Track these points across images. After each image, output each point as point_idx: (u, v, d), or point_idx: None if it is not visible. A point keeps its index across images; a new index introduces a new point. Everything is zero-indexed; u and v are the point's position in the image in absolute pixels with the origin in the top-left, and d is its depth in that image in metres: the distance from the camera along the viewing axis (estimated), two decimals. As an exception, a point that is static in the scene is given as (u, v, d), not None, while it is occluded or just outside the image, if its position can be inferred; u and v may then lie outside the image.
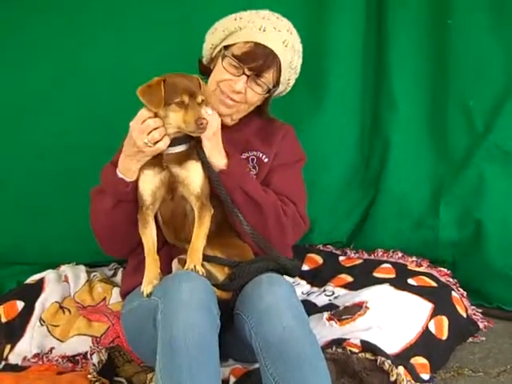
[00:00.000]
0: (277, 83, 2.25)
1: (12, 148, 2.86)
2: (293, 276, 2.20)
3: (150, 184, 2.02)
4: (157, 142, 1.95)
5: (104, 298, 2.65)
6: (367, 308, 2.35)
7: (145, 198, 2.03)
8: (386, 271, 2.68)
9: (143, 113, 1.96)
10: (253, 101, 2.25)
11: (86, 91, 2.82)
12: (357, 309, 2.36)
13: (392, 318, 2.31)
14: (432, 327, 2.34)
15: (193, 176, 2.01)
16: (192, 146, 2.03)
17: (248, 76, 2.18)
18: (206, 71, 2.32)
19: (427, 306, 2.40)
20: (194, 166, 2.02)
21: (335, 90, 2.94)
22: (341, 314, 2.35)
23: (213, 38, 2.27)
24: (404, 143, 2.92)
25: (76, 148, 2.84)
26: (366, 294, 2.44)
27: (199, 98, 1.94)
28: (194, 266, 1.90)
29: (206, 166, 2.02)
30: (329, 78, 2.91)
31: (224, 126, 2.13)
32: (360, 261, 2.85)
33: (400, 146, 2.92)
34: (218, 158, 2.07)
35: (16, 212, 2.92)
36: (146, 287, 1.94)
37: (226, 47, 2.21)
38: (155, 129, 1.94)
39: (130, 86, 1.96)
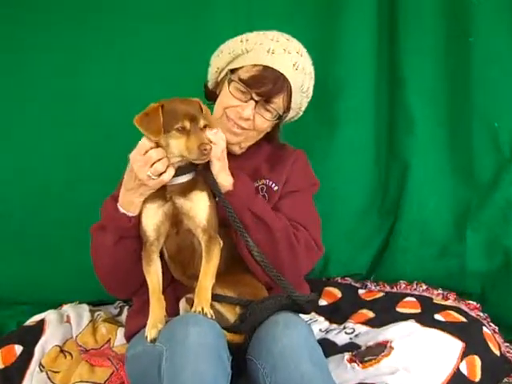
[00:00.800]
0: (287, 108, 2.16)
1: (12, 183, 2.84)
2: (307, 312, 2.08)
3: (153, 218, 1.93)
4: (161, 173, 1.85)
5: (108, 340, 2.54)
6: (392, 348, 2.20)
7: (148, 233, 1.94)
8: (410, 305, 2.54)
9: (144, 143, 1.86)
10: (262, 128, 2.16)
11: (88, 123, 2.79)
12: (381, 349, 2.21)
13: (420, 358, 2.16)
14: (464, 368, 2.19)
15: (198, 207, 1.91)
16: (197, 174, 1.94)
17: (256, 101, 2.09)
18: (212, 96, 2.22)
19: (458, 345, 2.24)
20: (199, 197, 1.92)
21: (348, 112, 2.86)
22: (363, 354, 2.21)
23: (218, 61, 2.18)
24: (423, 166, 2.83)
25: (78, 183, 2.80)
26: (390, 332, 2.29)
27: (201, 123, 1.86)
28: (202, 309, 1.79)
29: (214, 187, 1.92)
30: (341, 101, 2.85)
31: (231, 154, 2.06)
32: (381, 294, 2.72)
33: (419, 169, 2.83)
34: (226, 179, 1.97)
35: (16, 249, 2.87)
36: (149, 331, 1.82)
37: (233, 71, 2.12)
38: (158, 160, 1.84)
39: (132, 115, 1.87)
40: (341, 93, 2.83)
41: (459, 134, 2.80)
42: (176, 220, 1.92)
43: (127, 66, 2.77)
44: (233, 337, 1.86)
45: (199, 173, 1.95)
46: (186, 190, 1.91)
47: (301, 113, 2.29)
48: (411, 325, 2.32)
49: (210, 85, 2.25)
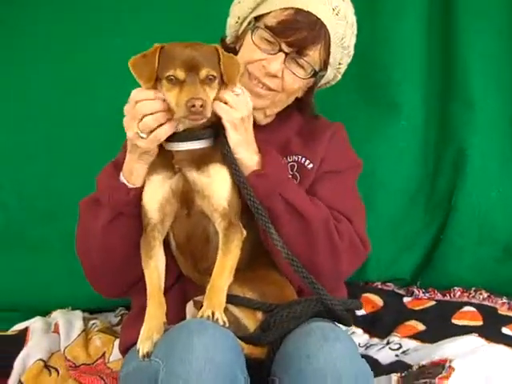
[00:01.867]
0: (324, 65, 1.93)
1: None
2: (347, 324, 1.84)
3: (156, 194, 1.68)
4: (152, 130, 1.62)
5: (103, 355, 2.34)
6: (452, 368, 1.95)
7: (150, 213, 1.70)
8: (469, 316, 2.35)
9: (137, 92, 1.63)
10: (292, 88, 1.91)
11: (90, 118, 2.66)
12: (437, 369, 1.98)
13: (487, 381, 1.94)
14: (540, 393, 1.99)
15: (215, 184, 1.67)
16: (217, 143, 1.70)
17: (286, 54, 1.85)
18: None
19: None
20: (217, 171, 1.67)
21: (392, 87, 2.65)
22: (416, 376, 1.99)
23: (239, 9, 1.96)
24: (483, 150, 2.64)
25: (69, 177, 2.65)
26: (448, 349, 2.07)
27: (203, 73, 1.58)
28: (212, 313, 1.53)
29: (231, 164, 1.68)
30: (384, 75, 2.64)
31: (255, 125, 1.81)
32: (432, 303, 2.51)
33: (478, 153, 2.63)
34: (247, 154, 1.72)
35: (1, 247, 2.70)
36: (141, 344, 1.57)
37: (258, 18, 1.90)
38: (150, 114, 1.61)
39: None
40: (385, 66, 2.64)
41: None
42: (186, 198, 1.68)
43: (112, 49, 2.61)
44: (252, 350, 1.63)
45: (219, 141, 1.71)
46: (200, 161, 1.66)
47: (339, 76, 2.05)
48: (474, 340, 2.13)
49: (229, 39, 2.02)
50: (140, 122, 1.60)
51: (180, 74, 1.56)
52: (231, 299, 1.65)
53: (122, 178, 1.73)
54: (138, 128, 1.60)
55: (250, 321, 1.69)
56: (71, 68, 2.63)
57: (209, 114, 1.57)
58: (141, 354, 1.54)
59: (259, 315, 1.69)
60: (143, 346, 1.55)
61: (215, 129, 1.67)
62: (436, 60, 2.66)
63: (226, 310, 1.58)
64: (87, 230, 1.82)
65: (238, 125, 1.67)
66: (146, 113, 1.59)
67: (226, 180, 1.68)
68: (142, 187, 1.70)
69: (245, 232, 1.68)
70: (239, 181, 1.68)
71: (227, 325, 1.54)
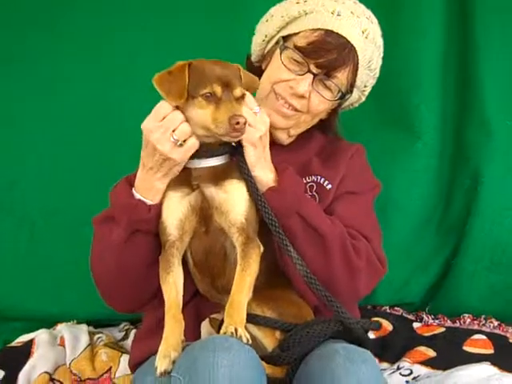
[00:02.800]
0: (351, 87, 1.92)
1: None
2: (368, 347, 1.73)
3: (175, 211, 1.66)
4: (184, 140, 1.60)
5: (109, 369, 2.31)
6: None
7: (169, 231, 1.67)
8: (480, 344, 2.29)
9: (162, 106, 1.61)
10: (318, 110, 1.91)
11: (97, 123, 2.64)
12: None
13: None
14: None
15: (233, 200, 1.64)
16: (232, 159, 1.69)
17: (315, 75, 1.84)
18: (255, 72, 1.90)
19: None
20: (235, 187, 1.65)
21: (408, 109, 2.61)
22: None
23: (267, 27, 1.94)
24: (499, 176, 2.59)
25: (77, 184, 2.63)
26: (462, 377, 2.01)
27: (238, 91, 1.59)
28: (235, 330, 1.49)
29: (248, 181, 1.66)
30: (401, 97, 2.61)
31: (276, 145, 1.85)
32: (442, 329, 2.45)
33: (493, 177, 2.58)
34: (264, 172, 1.70)
35: (6, 258, 2.64)
36: (160, 361, 1.52)
37: (286, 38, 1.88)
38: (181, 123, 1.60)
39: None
40: (403, 90, 2.61)
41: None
42: (205, 215, 1.65)
43: (137, 62, 2.60)
44: (273, 370, 1.60)
45: (235, 158, 1.69)
46: (217, 177, 1.65)
47: (363, 98, 2.05)
48: (487, 368, 2.07)
49: (254, 58, 2.01)
50: (174, 131, 1.57)
51: (218, 90, 1.55)
52: (250, 318, 1.61)
53: (138, 195, 1.68)
54: (173, 137, 1.57)
55: (269, 340, 1.66)
56: (100, 85, 2.61)
57: (245, 132, 1.56)
58: (158, 372, 1.50)
59: (278, 334, 1.66)
60: (161, 363, 1.51)
61: (231, 145, 1.66)
62: (453, 84, 2.64)
63: (246, 329, 1.53)
64: (101, 249, 1.78)
65: (256, 144, 1.65)
66: (179, 121, 1.58)
67: (243, 195, 1.66)
68: (161, 204, 1.67)
69: (262, 248, 1.65)
70: (256, 198, 1.65)
71: (250, 342, 1.50)
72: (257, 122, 1.64)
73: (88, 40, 2.60)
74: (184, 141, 1.58)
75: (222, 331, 1.49)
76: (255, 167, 1.67)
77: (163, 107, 1.59)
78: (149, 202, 1.66)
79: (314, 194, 1.89)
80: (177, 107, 1.59)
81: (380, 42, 1.94)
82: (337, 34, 1.81)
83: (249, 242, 1.62)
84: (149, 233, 1.69)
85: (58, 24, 2.61)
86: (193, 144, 1.59)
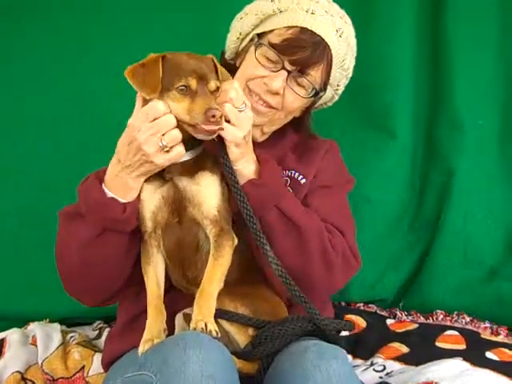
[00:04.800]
0: (324, 86, 1.91)
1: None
2: (341, 346, 1.73)
3: (148, 203, 1.66)
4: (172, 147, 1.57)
5: (82, 368, 2.29)
6: None
7: (144, 222, 1.67)
8: (452, 340, 2.29)
9: (156, 106, 1.55)
10: (292, 107, 1.90)
11: (92, 121, 2.61)
12: None
13: None
14: (529, 421, 1.94)
15: (206, 192, 1.64)
16: (205, 152, 1.69)
17: (289, 72, 1.83)
18: (229, 69, 1.88)
19: None
20: (207, 180, 1.65)
21: (380, 105, 2.63)
22: None
23: (242, 25, 1.93)
24: (472, 172, 2.61)
25: (45, 181, 2.60)
26: (434, 372, 2.01)
27: (212, 84, 1.58)
28: (206, 325, 1.50)
29: (228, 173, 1.66)
30: (372, 92, 2.63)
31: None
32: (415, 326, 2.46)
33: (466, 174, 2.61)
34: (246, 164, 1.69)
35: None
36: (142, 345, 1.57)
37: (260, 35, 1.88)
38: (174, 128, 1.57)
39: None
40: (375, 88, 2.62)
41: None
42: (178, 206, 1.65)
43: (112, 57, 2.52)
44: (244, 365, 1.61)
45: (208, 151, 1.69)
46: (190, 169, 1.64)
47: (337, 97, 2.05)
48: (459, 363, 2.07)
49: (229, 55, 2.00)
50: (164, 136, 1.54)
51: (193, 83, 1.54)
52: (223, 314, 1.62)
53: (110, 193, 1.65)
54: (161, 142, 1.54)
55: (242, 336, 1.66)
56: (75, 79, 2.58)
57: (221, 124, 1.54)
58: (140, 354, 1.53)
59: (250, 331, 1.67)
60: (143, 347, 1.54)
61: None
62: (425, 82, 2.66)
63: (217, 324, 1.55)
64: (67, 244, 1.75)
65: (241, 143, 1.64)
66: (172, 126, 1.55)
67: (215, 188, 1.66)
68: (135, 203, 1.65)
69: (236, 240, 1.66)
70: (236, 193, 1.64)
71: (219, 335, 1.51)
72: (241, 121, 1.62)
73: (64, 34, 2.58)
74: (171, 147, 1.55)
75: (191, 326, 1.50)
76: (238, 162, 1.66)
77: (156, 107, 1.55)
78: (122, 201, 1.63)
79: (289, 188, 1.89)
80: (145, 99, 1.57)
81: (353, 42, 1.95)
82: (311, 31, 1.81)
83: (222, 233, 1.62)
84: (121, 232, 1.66)
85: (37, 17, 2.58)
86: (178, 153, 1.57)
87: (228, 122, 1.59)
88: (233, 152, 1.64)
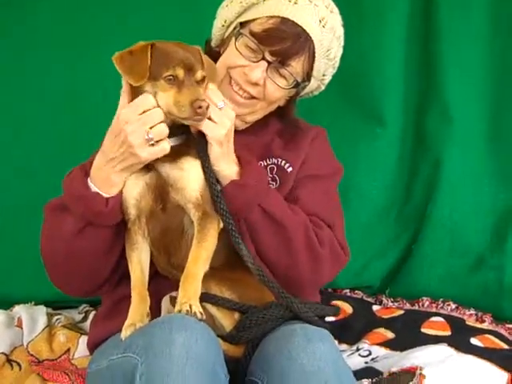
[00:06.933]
0: (307, 76, 1.88)
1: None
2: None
3: (131, 191, 1.66)
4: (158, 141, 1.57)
5: (67, 350, 2.30)
6: (423, 376, 1.91)
7: (128, 209, 1.67)
8: (437, 326, 2.31)
9: (146, 99, 1.56)
10: (273, 97, 1.87)
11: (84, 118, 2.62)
12: (408, 377, 1.92)
13: None
14: (511, 405, 1.96)
15: (189, 177, 1.64)
16: (189, 139, 1.68)
17: (269, 63, 1.80)
18: (213, 57, 1.89)
19: (502, 377, 1.96)
20: (190, 164, 1.64)
21: (369, 94, 2.65)
22: (387, 383, 1.93)
23: (226, 13, 1.91)
24: (460, 163, 2.63)
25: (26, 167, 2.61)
26: (419, 357, 2.02)
27: (199, 74, 1.59)
28: (190, 307, 1.50)
29: (208, 173, 1.65)
30: (364, 82, 2.64)
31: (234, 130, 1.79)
32: (400, 312, 2.48)
33: (454, 166, 2.63)
34: (227, 166, 1.68)
35: None
36: (125, 330, 1.58)
37: (243, 24, 1.85)
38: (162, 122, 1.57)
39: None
40: (364, 77, 2.63)
41: (504, 126, 2.63)
42: (161, 193, 1.65)
43: (100, 45, 2.52)
44: (229, 348, 1.62)
45: (192, 138, 1.68)
46: (173, 155, 1.63)
47: (323, 87, 2.02)
48: (444, 349, 2.09)
49: (214, 42, 1.98)
50: (151, 128, 1.54)
51: (180, 73, 1.54)
52: (208, 298, 1.63)
53: (94, 188, 1.64)
54: (148, 135, 1.54)
55: (227, 320, 1.67)
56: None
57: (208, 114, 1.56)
58: (123, 338, 1.54)
59: (236, 316, 1.67)
60: (126, 331, 1.55)
61: (185, 127, 1.64)
62: (414, 72, 2.67)
63: (203, 308, 1.55)
64: (51, 237, 1.75)
65: (222, 141, 1.64)
66: (160, 120, 1.55)
67: (198, 172, 1.65)
68: (118, 196, 1.65)
69: (222, 223, 1.65)
70: (213, 192, 1.63)
71: (204, 317, 1.51)
72: (221, 118, 1.62)
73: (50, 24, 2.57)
74: (157, 141, 1.55)
75: (176, 309, 1.50)
76: (219, 162, 1.65)
77: (146, 100, 1.55)
78: (105, 195, 1.63)
79: (275, 175, 1.89)
80: (133, 88, 1.57)
81: (340, 31, 1.91)
82: (292, 22, 1.78)
83: (206, 216, 1.62)
84: (104, 226, 1.66)
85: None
86: (163, 148, 1.57)
87: (209, 119, 1.59)
88: (214, 151, 1.63)
